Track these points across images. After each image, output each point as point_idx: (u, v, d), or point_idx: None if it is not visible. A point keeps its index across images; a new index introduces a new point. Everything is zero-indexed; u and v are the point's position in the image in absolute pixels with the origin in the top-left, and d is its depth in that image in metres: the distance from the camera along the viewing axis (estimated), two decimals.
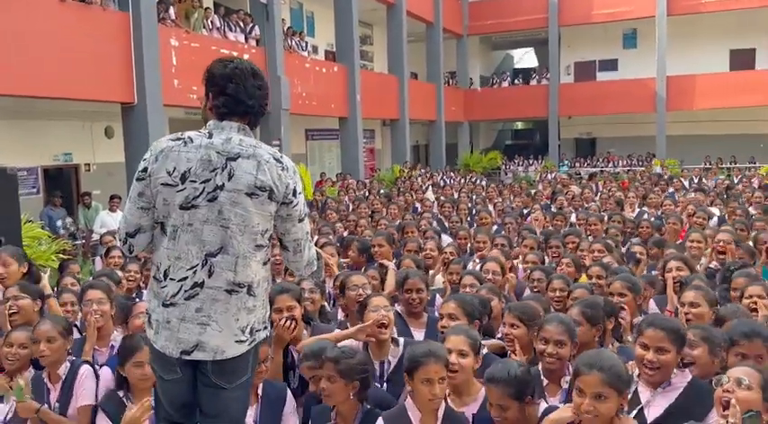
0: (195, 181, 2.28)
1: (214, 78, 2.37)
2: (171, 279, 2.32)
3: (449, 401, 2.79)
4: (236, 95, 2.34)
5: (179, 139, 2.34)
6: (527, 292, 4.66)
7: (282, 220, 2.41)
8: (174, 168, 2.29)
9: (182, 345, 2.31)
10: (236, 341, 2.34)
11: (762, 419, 2.28)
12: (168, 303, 2.32)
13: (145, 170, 2.34)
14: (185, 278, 2.30)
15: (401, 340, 3.35)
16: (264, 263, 2.41)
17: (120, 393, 3.11)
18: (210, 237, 2.29)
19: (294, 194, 2.38)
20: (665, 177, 16.45)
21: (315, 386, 2.97)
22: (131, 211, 2.38)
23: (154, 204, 2.34)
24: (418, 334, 3.71)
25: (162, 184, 2.30)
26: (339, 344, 3.10)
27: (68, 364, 3.27)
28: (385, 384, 3.20)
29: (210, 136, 2.33)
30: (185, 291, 2.30)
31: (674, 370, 2.68)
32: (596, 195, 11.53)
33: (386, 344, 3.27)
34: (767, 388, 2.32)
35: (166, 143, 2.35)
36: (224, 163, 2.28)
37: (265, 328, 2.47)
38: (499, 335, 3.59)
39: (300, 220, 2.44)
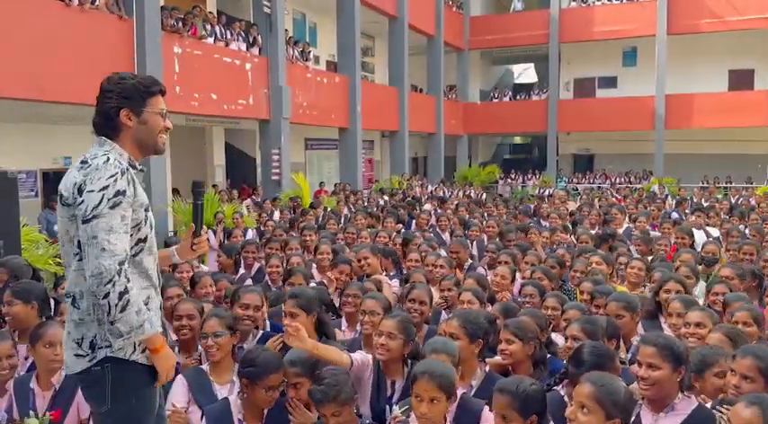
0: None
1: None
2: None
3: None
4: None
5: None
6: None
7: (72, 222, 2.25)
8: None
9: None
10: (75, 355, 2.30)
11: None
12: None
13: None
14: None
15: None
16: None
17: None
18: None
19: (79, 192, 2.19)
20: (663, 196, 16.46)
21: (293, 392, 2.97)
22: None
23: None
24: None
25: None
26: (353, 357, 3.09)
27: (64, 374, 3.14)
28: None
29: None
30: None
31: (679, 394, 2.62)
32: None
33: (397, 364, 3.17)
34: None
35: None
36: None
37: (108, 346, 2.25)
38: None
39: (85, 221, 2.17)
